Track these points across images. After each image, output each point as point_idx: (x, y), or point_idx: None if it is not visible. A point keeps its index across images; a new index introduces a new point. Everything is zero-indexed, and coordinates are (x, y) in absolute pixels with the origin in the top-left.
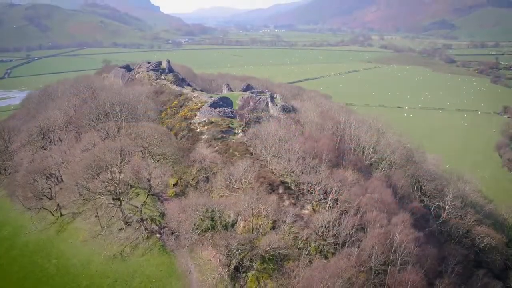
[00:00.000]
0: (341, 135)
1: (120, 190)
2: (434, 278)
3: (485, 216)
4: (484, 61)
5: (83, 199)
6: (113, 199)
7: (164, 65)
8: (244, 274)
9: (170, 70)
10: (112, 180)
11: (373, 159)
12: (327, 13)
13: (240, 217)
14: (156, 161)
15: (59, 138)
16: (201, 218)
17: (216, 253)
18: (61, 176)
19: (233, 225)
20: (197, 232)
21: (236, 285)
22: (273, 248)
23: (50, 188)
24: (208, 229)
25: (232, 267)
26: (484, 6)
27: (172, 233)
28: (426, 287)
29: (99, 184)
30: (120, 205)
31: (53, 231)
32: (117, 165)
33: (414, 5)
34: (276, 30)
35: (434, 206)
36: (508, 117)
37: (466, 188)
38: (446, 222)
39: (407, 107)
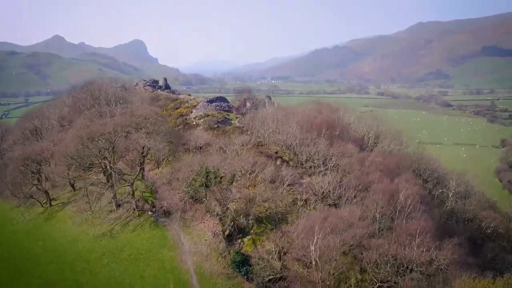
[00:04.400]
0: (340, 123)
1: (111, 165)
2: (442, 238)
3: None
4: (480, 104)
5: (73, 179)
6: (104, 173)
7: (161, 82)
8: (239, 240)
9: (167, 86)
10: (104, 149)
11: (373, 146)
12: (323, 65)
13: (235, 190)
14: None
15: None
16: (194, 178)
17: (209, 217)
18: (49, 163)
19: (229, 184)
20: (191, 189)
21: (231, 251)
22: (270, 202)
23: (39, 175)
24: (202, 185)
25: (227, 231)
26: (478, 55)
27: (163, 207)
28: (435, 238)
29: (91, 151)
30: (112, 185)
31: (41, 220)
32: (109, 140)
33: (409, 57)
34: (273, 81)
35: (437, 193)
36: (507, 149)
37: (469, 180)
38: (451, 211)
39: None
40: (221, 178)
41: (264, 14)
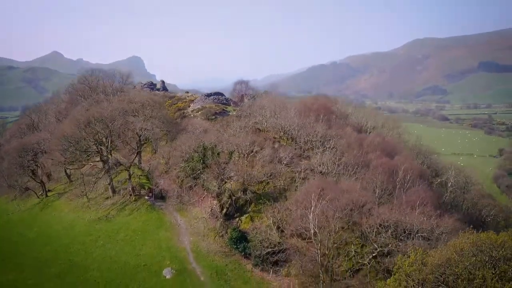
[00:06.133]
0: (338, 114)
1: (109, 150)
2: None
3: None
4: (477, 118)
5: (70, 168)
6: (100, 158)
7: (159, 85)
8: (237, 219)
9: (165, 89)
10: (100, 134)
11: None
12: (320, 81)
13: (233, 173)
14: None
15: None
16: (191, 156)
17: (207, 195)
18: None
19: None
20: (188, 166)
21: (229, 229)
22: (268, 177)
23: (36, 165)
24: (200, 161)
25: (224, 210)
26: (475, 71)
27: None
28: (435, 209)
29: (88, 135)
30: (108, 170)
31: (37, 209)
32: (106, 124)
33: (406, 72)
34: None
35: (436, 183)
36: (505, 157)
37: (467, 170)
38: (451, 202)
39: None
40: (218, 154)
41: (262, 33)
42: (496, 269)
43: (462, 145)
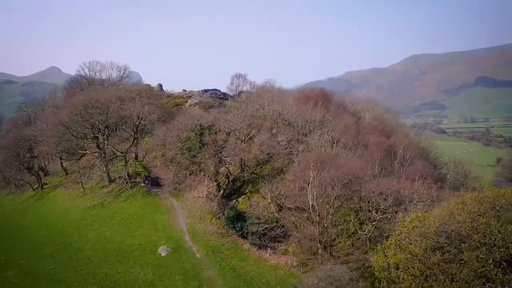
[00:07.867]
0: (334, 105)
1: (106, 136)
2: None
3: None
4: (475, 131)
5: (67, 151)
6: (97, 146)
7: (157, 88)
8: (234, 201)
9: (162, 91)
10: (97, 121)
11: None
12: None
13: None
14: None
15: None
16: (188, 136)
17: (203, 175)
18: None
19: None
20: (185, 147)
21: (226, 210)
22: (267, 154)
23: (31, 157)
24: (197, 139)
25: (221, 191)
26: (472, 86)
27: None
28: (435, 183)
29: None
30: (105, 157)
31: (32, 201)
32: (103, 111)
33: (404, 88)
34: None
35: (435, 175)
36: (503, 165)
37: (465, 166)
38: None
39: None
40: (215, 132)
41: (261, 50)
42: (500, 218)
43: (460, 156)
